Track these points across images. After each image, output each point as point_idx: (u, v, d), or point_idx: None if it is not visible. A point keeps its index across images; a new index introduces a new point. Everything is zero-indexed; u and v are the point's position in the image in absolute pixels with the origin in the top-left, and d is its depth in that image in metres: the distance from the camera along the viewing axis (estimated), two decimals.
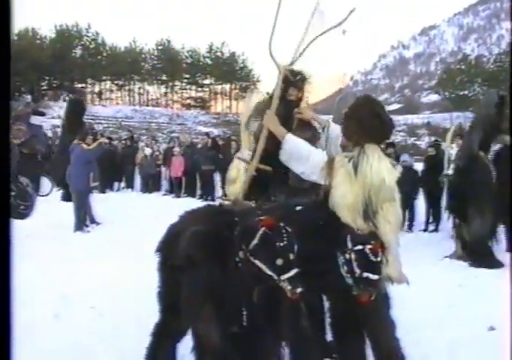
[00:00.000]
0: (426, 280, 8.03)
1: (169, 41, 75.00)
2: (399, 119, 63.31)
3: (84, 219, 12.54)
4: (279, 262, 3.59)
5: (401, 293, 6.75)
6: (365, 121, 4.61)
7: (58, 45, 64.35)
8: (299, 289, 3.63)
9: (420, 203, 13.69)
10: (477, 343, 5.36)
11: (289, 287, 3.63)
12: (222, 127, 59.62)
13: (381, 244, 4.32)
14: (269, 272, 3.61)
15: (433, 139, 14.66)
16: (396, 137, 67.72)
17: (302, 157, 4.70)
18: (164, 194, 19.64)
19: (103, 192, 20.30)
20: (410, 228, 13.43)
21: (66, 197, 17.48)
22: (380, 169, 4.60)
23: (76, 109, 16.89)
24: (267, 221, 3.69)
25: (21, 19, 59.14)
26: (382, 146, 5.65)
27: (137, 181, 22.22)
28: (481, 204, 10.11)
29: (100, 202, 14.44)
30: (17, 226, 11.77)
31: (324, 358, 4.75)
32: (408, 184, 12.38)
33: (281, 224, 3.73)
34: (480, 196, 10.05)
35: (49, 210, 13.72)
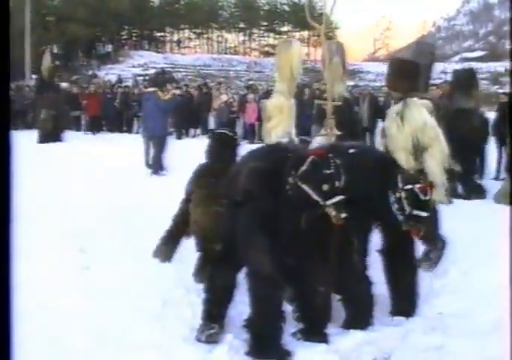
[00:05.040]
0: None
1: None
2: (482, 67, 61.16)
3: (161, 164, 12.95)
4: (325, 187, 3.82)
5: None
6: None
7: None
8: (343, 215, 3.85)
9: (492, 152, 13.29)
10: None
11: (334, 213, 3.87)
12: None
13: (430, 184, 4.54)
14: (316, 197, 3.85)
15: None
16: (479, 85, 65.29)
17: None
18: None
19: (180, 138, 20.77)
20: (481, 176, 13.19)
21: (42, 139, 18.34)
22: (421, 114, 5.79)
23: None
24: (317, 151, 3.94)
25: None
26: None
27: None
28: None
29: (176, 148, 14.82)
30: (93, 168, 12.40)
31: None
32: (477, 132, 12.15)
33: (330, 155, 3.95)
34: None
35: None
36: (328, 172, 3.85)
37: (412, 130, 5.77)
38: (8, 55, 1.60)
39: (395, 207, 4.45)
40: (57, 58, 19.21)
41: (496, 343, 4.32)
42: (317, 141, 6.20)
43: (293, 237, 4.20)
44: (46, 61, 19.40)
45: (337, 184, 3.86)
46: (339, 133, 6.33)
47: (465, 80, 11.04)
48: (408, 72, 6.24)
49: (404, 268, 5.02)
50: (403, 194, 4.42)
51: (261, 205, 4.01)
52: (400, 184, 4.46)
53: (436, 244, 6.23)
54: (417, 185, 4.45)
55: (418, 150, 5.78)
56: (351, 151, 4.68)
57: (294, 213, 4.04)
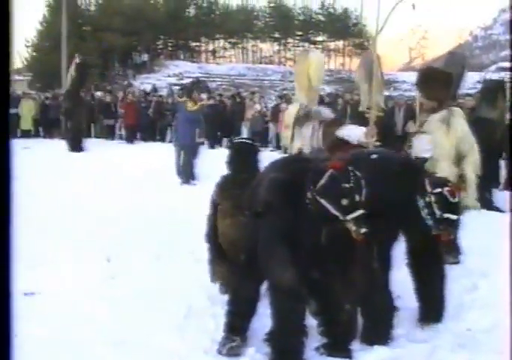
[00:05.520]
0: None
1: None
2: None
3: (191, 173, 12.96)
4: (344, 202, 3.72)
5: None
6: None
7: (172, 4, 65.06)
8: (363, 230, 3.75)
9: None
10: None
11: (354, 228, 3.77)
12: (335, 84, 58.80)
13: (458, 186, 4.47)
14: (335, 212, 3.76)
15: None
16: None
17: None
18: (272, 150, 19.81)
19: (213, 147, 20.77)
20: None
21: (71, 148, 18.49)
22: (464, 123, 6.16)
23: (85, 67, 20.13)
24: (335, 163, 3.85)
25: None
26: None
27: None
28: None
29: (209, 157, 14.82)
30: (126, 175, 12.46)
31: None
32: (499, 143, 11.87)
33: (350, 168, 3.86)
34: None
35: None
36: (347, 186, 3.76)
37: (457, 137, 6.04)
38: (8, 59, 1.57)
39: (424, 212, 4.37)
40: (81, 68, 19.41)
41: None
42: (349, 130, 6.18)
43: (316, 250, 4.12)
44: (70, 71, 19.87)
45: (357, 198, 3.77)
46: (378, 143, 6.38)
47: (492, 90, 11.05)
48: (444, 81, 6.36)
49: (433, 274, 4.96)
50: (433, 198, 4.35)
51: (281, 217, 3.95)
52: (429, 188, 4.38)
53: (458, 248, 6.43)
54: (446, 188, 4.38)
55: (459, 157, 6.07)
56: (374, 156, 4.61)
57: (315, 226, 3.96)
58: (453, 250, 6.25)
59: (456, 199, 4.39)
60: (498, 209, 9.96)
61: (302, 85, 6.63)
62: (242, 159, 5.49)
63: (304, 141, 6.20)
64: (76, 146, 18.58)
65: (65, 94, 20.46)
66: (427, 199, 4.35)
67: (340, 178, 3.77)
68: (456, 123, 6.07)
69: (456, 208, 4.43)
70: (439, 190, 4.35)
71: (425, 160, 6.03)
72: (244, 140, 5.81)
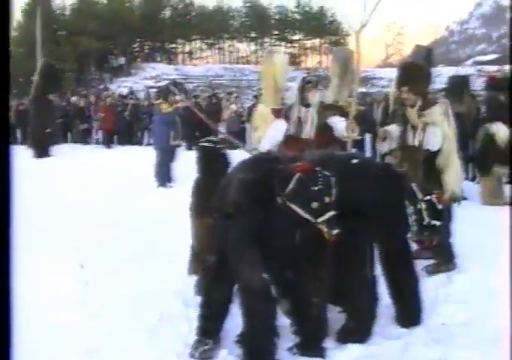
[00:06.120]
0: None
1: None
2: (495, 69, 60.84)
3: (167, 176, 12.85)
4: (314, 205, 3.72)
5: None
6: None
7: (148, 7, 64.96)
8: (335, 231, 3.74)
9: None
10: None
11: (325, 229, 3.75)
12: None
13: (443, 193, 4.48)
14: (306, 215, 3.74)
15: None
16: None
17: None
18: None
19: (190, 149, 20.67)
20: None
21: (37, 154, 18.36)
22: None
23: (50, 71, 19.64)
24: (303, 166, 3.82)
25: None
26: None
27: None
28: None
29: (186, 159, 14.74)
30: (104, 181, 12.38)
31: None
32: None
33: (318, 169, 3.83)
34: None
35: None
36: (316, 188, 3.75)
37: (454, 129, 6.08)
38: (8, 68, 1.54)
39: (412, 218, 4.35)
40: (44, 72, 19.32)
41: (500, 354, 4.18)
42: (337, 120, 6.38)
43: (289, 250, 4.08)
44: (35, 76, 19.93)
45: (327, 200, 3.76)
46: (359, 137, 6.47)
47: (457, 86, 11.42)
48: (426, 75, 6.42)
49: (407, 277, 4.88)
50: (423, 205, 4.34)
51: (251, 218, 3.91)
52: (420, 195, 4.36)
53: (446, 256, 6.20)
54: (433, 195, 4.39)
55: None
56: (354, 161, 4.51)
57: (287, 226, 3.93)
58: (444, 256, 6.18)
59: (441, 206, 4.41)
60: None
61: (269, 87, 6.73)
62: (208, 161, 5.47)
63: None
64: (41, 152, 18.43)
65: (30, 99, 20.37)
66: (418, 206, 4.34)
67: (308, 181, 3.76)
68: (452, 115, 6.13)
69: (441, 215, 4.45)
70: (429, 197, 4.35)
71: (434, 152, 6.03)
72: (207, 144, 5.70)
